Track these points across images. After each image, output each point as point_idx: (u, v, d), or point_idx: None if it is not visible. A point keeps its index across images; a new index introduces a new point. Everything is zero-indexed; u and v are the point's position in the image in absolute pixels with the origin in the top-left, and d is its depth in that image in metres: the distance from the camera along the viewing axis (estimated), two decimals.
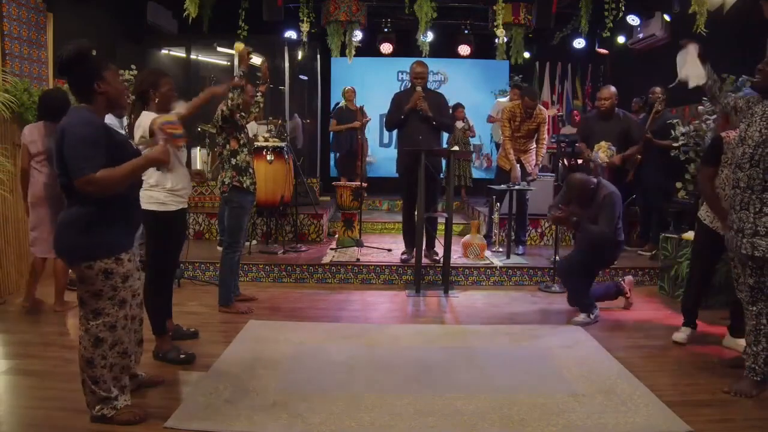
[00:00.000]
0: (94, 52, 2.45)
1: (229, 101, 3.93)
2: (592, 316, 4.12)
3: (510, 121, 5.72)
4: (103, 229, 2.39)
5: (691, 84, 3.31)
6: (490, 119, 7.96)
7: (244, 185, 4.10)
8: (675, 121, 5.33)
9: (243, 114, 4.21)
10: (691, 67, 3.37)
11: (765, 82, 2.95)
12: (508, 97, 7.86)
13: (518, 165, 5.70)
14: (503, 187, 5.70)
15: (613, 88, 5.45)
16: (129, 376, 2.66)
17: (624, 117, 5.40)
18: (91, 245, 2.38)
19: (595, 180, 4.23)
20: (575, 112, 8.55)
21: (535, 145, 5.79)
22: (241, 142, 4.14)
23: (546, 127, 5.70)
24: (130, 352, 2.59)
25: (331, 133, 8.25)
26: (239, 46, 3.99)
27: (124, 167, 2.30)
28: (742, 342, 3.40)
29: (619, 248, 4.31)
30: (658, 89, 5.74)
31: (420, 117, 5.12)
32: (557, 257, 5.21)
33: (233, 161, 4.11)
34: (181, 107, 3.27)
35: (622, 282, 4.56)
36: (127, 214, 2.49)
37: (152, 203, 3.22)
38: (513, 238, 5.86)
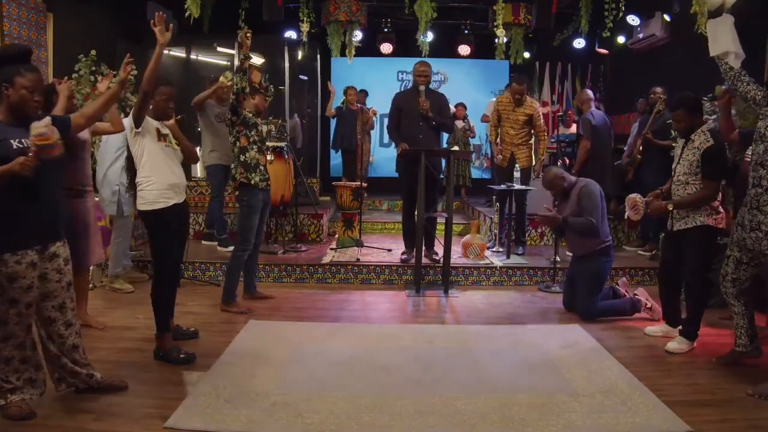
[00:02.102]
0: (25, 56, 2.51)
1: (234, 86, 3.98)
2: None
3: (498, 111, 5.77)
4: None
5: (729, 57, 3.27)
6: (485, 118, 7.95)
7: (252, 182, 4.13)
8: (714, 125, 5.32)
9: (251, 112, 4.22)
10: (725, 38, 3.33)
11: None
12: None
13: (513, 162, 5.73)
14: (503, 187, 5.70)
15: (585, 92, 6.22)
16: (72, 374, 2.70)
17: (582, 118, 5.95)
18: None
19: (570, 176, 4.35)
20: (570, 112, 8.53)
21: (531, 141, 5.72)
22: (251, 139, 4.18)
23: (540, 122, 5.61)
24: (27, 345, 2.56)
25: (332, 131, 8.26)
26: (241, 33, 4.05)
27: None
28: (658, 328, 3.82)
29: (609, 254, 4.28)
30: (658, 89, 5.74)
31: (421, 117, 5.12)
32: (557, 257, 5.22)
33: (242, 158, 4.15)
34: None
35: (635, 295, 4.34)
36: (17, 215, 2.44)
37: (141, 203, 3.25)
38: (513, 238, 5.87)
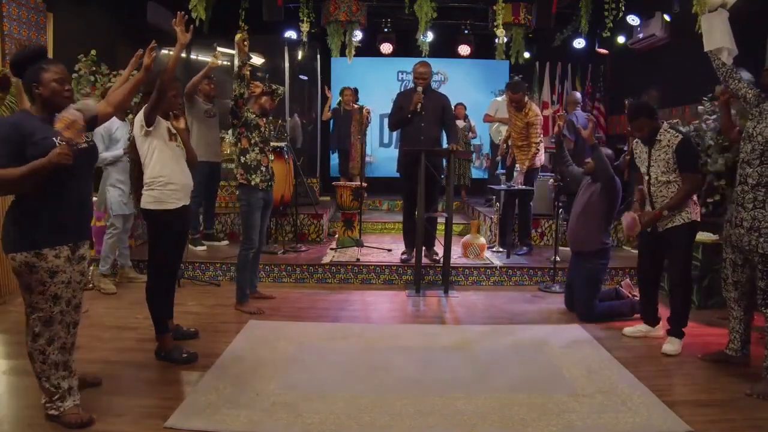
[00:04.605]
0: (41, 55, 2.50)
1: (232, 92, 3.98)
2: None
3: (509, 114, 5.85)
4: (25, 224, 2.42)
5: (722, 53, 3.33)
6: (487, 118, 7.92)
7: (252, 183, 4.14)
8: (675, 121, 5.34)
9: (255, 113, 4.21)
10: (720, 34, 3.38)
11: None
12: (504, 96, 7.84)
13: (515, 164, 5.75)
14: (503, 186, 5.71)
15: (574, 94, 6.72)
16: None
17: None
18: (13, 237, 2.43)
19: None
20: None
21: (528, 146, 5.69)
22: (252, 141, 4.17)
23: (537, 129, 5.58)
24: (68, 349, 2.56)
25: (331, 132, 8.24)
26: (238, 36, 4.03)
27: (21, 168, 2.29)
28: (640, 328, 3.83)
29: (606, 256, 4.27)
30: (654, 93, 5.74)
31: (421, 117, 5.12)
32: (557, 257, 5.22)
33: (242, 159, 4.17)
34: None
35: (635, 297, 4.35)
36: (55, 211, 2.44)
37: (149, 202, 3.23)
38: (516, 239, 5.87)
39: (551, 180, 5.03)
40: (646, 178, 3.60)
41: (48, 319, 2.46)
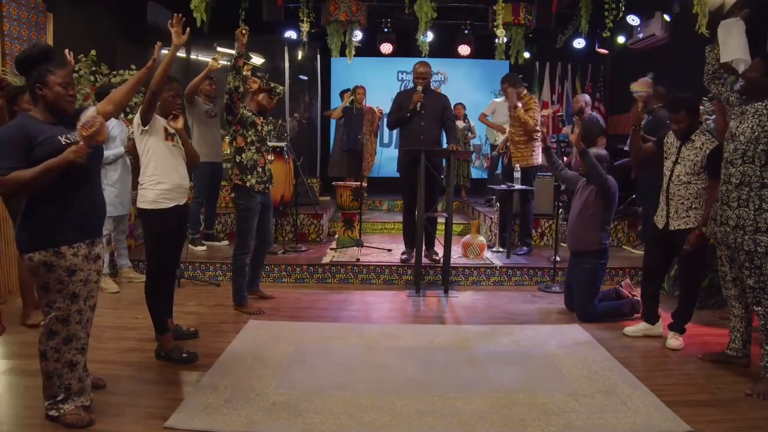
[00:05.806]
0: (48, 55, 2.50)
1: (226, 85, 3.95)
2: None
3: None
4: (41, 223, 2.42)
5: (740, 65, 3.39)
6: (482, 117, 7.86)
7: (248, 184, 4.07)
8: None
9: (252, 111, 4.18)
10: (737, 44, 3.45)
11: (747, 87, 3.07)
12: (503, 97, 7.82)
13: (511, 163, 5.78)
14: (503, 186, 5.71)
15: (585, 96, 6.64)
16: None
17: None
18: (29, 237, 2.43)
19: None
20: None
21: (531, 143, 5.65)
22: (249, 139, 4.11)
23: (536, 113, 5.57)
24: (87, 350, 2.56)
25: (334, 132, 8.24)
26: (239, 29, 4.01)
27: (35, 169, 2.29)
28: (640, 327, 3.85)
29: (604, 257, 4.25)
30: (660, 89, 5.73)
31: (421, 117, 5.12)
32: (557, 257, 5.22)
33: (238, 159, 4.10)
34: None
35: (635, 296, 4.35)
36: (69, 209, 2.45)
37: (142, 202, 3.24)
38: (516, 239, 5.87)
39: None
40: (668, 173, 3.60)
41: (65, 318, 2.46)
